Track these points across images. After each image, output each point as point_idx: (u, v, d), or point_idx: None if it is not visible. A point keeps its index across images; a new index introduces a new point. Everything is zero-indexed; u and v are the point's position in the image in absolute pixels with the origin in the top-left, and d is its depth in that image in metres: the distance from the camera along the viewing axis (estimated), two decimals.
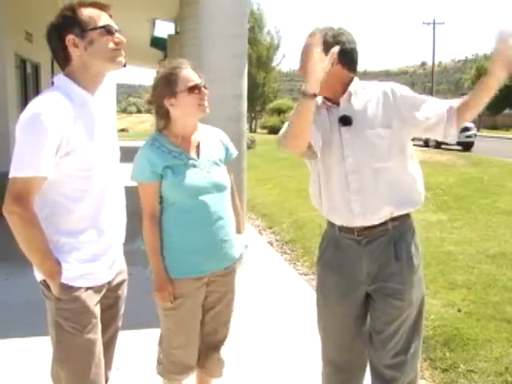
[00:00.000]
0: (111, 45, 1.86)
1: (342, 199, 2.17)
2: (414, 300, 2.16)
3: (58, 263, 1.81)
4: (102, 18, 1.86)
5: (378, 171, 2.10)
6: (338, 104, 2.15)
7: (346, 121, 2.12)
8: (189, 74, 2.21)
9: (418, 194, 2.18)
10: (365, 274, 2.18)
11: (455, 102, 2.13)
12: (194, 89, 2.18)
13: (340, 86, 2.13)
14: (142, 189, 2.23)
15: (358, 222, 2.15)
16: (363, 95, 2.13)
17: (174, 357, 2.32)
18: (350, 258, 2.20)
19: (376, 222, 2.14)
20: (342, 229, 2.20)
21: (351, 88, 2.13)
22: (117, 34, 1.87)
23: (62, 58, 1.87)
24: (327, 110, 2.18)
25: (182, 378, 2.39)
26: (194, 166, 2.23)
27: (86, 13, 1.84)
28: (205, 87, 2.23)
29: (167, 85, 2.18)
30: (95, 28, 1.84)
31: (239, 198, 2.57)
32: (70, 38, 1.82)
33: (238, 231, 2.46)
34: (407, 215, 2.19)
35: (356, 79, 2.17)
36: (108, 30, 1.85)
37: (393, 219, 2.14)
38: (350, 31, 2.15)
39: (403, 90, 2.13)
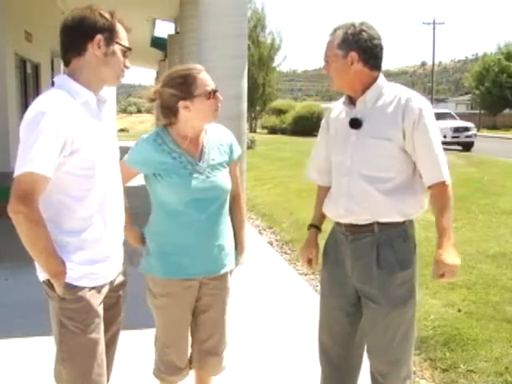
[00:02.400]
0: (122, 66, 1.94)
1: (335, 197, 2.21)
2: (398, 308, 2.11)
3: (63, 263, 1.81)
4: (126, 40, 1.95)
5: (368, 179, 2.09)
6: (355, 104, 2.14)
7: (355, 124, 2.11)
8: (206, 77, 2.16)
9: (410, 208, 2.11)
10: (350, 270, 2.18)
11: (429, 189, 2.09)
12: (211, 94, 2.15)
13: (360, 86, 2.11)
14: (124, 169, 2.14)
15: (343, 220, 2.18)
16: (381, 100, 2.10)
17: (165, 356, 2.32)
18: (340, 251, 2.22)
19: (360, 223, 2.13)
20: (336, 222, 2.25)
21: (370, 91, 2.10)
22: (127, 60, 1.95)
23: (75, 49, 1.87)
24: (346, 108, 2.19)
25: (172, 380, 2.37)
26: (194, 169, 2.19)
27: (119, 26, 1.91)
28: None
29: (184, 86, 2.11)
30: (121, 44, 1.91)
31: None
32: (99, 38, 1.85)
33: (238, 236, 2.42)
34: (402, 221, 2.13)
35: (380, 79, 2.12)
36: (126, 53, 1.94)
37: (380, 223, 2.10)
38: (372, 25, 2.11)
39: (422, 118, 2.03)
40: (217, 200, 2.24)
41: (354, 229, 2.15)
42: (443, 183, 2.06)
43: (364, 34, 2.07)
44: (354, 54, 2.06)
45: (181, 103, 2.13)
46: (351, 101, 2.17)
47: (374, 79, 2.12)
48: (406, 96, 2.07)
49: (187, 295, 2.27)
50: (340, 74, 2.11)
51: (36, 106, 1.76)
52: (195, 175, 2.18)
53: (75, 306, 1.84)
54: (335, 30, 2.12)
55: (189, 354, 2.40)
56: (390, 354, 2.16)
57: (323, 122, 2.35)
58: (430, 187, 2.08)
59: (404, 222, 2.13)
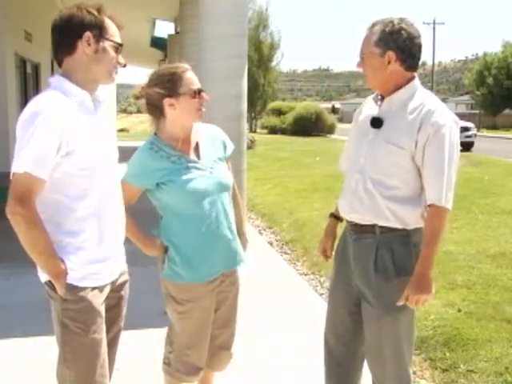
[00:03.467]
0: (115, 62, 1.92)
1: (344, 191, 2.21)
2: (392, 314, 2.07)
3: (63, 263, 1.81)
4: (118, 36, 1.93)
5: (374, 182, 2.06)
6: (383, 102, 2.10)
7: (375, 123, 2.07)
8: (192, 76, 2.17)
9: (411, 218, 2.06)
10: (353, 269, 2.18)
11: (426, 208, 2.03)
12: (196, 93, 2.16)
13: (393, 86, 2.04)
14: (126, 188, 2.14)
15: (348, 217, 2.18)
16: (408, 104, 2.02)
17: (187, 357, 2.32)
18: (347, 249, 2.22)
19: (362, 223, 2.12)
20: (346, 220, 2.24)
21: (399, 92, 2.04)
22: (120, 56, 1.94)
23: (66, 48, 1.86)
24: (375, 104, 2.16)
25: (190, 380, 2.38)
26: (196, 167, 2.20)
27: (109, 22, 1.90)
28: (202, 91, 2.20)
29: (169, 84, 2.12)
30: (112, 40, 1.89)
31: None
32: (87, 35, 1.84)
33: (240, 229, 2.45)
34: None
35: (415, 81, 2.06)
36: (118, 49, 1.92)
37: (381, 226, 2.07)
38: (412, 22, 2.01)
39: (438, 135, 1.95)
40: (223, 194, 2.26)
41: (357, 228, 2.14)
42: (439, 207, 1.97)
43: (403, 32, 1.98)
44: (391, 54, 1.98)
45: (166, 100, 2.14)
46: (382, 98, 2.11)
47: (408, 80, 2.05)
48: (430, 107, 1.98)
49: (212, 296, 2.29)
50: (376, 72, 2.04)
51: (30, 107, 1.76)
52: (198, 173, 2.19)
53: (77, 307, 1.84)
54: (373, 25, 2.03)
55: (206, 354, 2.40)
56: (384, 358, 2.13)
57: (355, 114, 2.31)
58: (428, 205, 2.01)
59: (406, 228, 2.07)
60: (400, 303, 2.01)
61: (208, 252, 2.22)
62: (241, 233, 2.45)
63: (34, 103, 1.77)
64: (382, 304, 2.07)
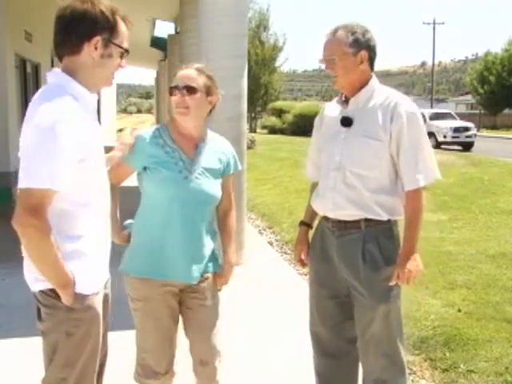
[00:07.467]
0: (117, 67, 1.83)
1: (322, 191, 2.25)
2: (384, 302, 2.13)
3: (71, 273, 1.73)
4: (126, 41, 1.83)
5: (356, 176, 2.14)
6: (348, 103, 2.21)
7: (346, 122, 2.17)
8: (183, 74, 2.19)
9: (397, 208, 2.18)
10: (338, 265, 2.22)
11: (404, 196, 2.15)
12: (172, 90, 2.18)
13: (359, 84, 2.18)
14: (121, 166, 2.19)
15: (331, 215, 2.22)
16: (373, 100, 2.16)
17: (142, 360, 2.29)
18: (327, 247, 2.26)
19: (347, 219, 2.17)
20: (324, 216, 2.30)
21: (364, 91, 2.17)
22: (123, 60, 1.85)
23: (70, 47, 1.75)
24: (340, 106, 2.25)
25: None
26: (185, 167, 2.17)
27: (121, 26, 1.79)
28: (187, 90, 2.15)
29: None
30: (120, 46, 1.79)
31: (239, 198, 2.54)
32: (97, 39, 1.74)
33: (226, 254, 2.36)
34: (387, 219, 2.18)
35: (373, 79, 2.20)
36: (123, 55, 1.83)
37: (367, 219, 2.15)
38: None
39: (409, 124, 2.10)
40: (202, 205, 2.20)
41: (341, 225, 2.19)
42: (417, 190, 2.11)
43: (370, 34, 2.15)
44: (364, 53, 2.12)
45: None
46: (346, 100, 2.23)
47: (369, 78, 2.19)
48: (396, 100, 2.12)
49: (164, 301, 2.22)
50: (349, 72, 2.15)
51: (49, 113, 1.63)
52: (184, 173, 2.16)
53: (84, 315, 1.78)
54: (336, 31, 2.15)
55: (170, 360, 2.32)
56: (378, 346, 2.18)
57: (316, 120, 2.41)
58: (406, 192, 2.13)
59: (389, 221, 2.18)
60: (392, 283, 2.10)
61: (159, 250, 2.16)
62: (226, 257, 2.35)
63: (52, 110, 1.63)
64: (374, 293, 2.13)
